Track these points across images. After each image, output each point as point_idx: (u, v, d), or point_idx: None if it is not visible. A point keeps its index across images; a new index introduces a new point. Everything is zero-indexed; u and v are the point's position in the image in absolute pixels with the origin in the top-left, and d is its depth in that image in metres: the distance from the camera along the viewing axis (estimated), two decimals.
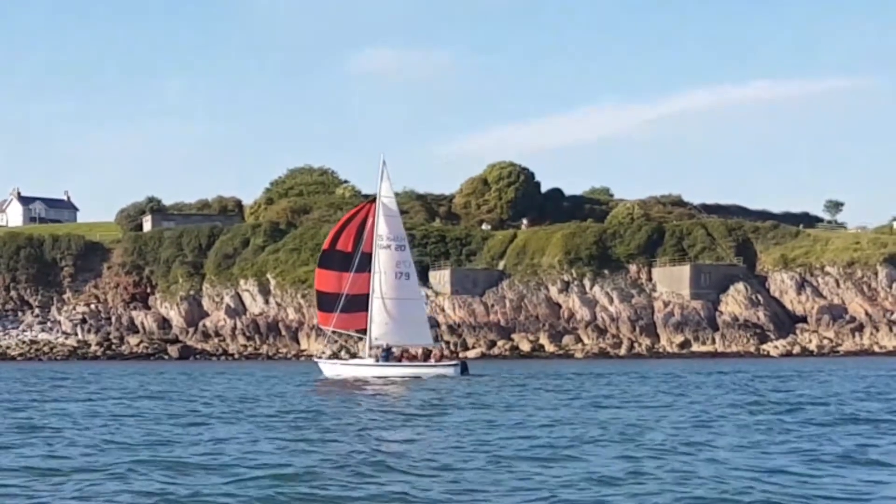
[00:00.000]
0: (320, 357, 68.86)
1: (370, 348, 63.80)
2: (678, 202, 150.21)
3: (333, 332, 68.61)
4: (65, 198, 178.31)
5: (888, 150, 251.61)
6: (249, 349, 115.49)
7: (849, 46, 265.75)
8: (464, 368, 61.51)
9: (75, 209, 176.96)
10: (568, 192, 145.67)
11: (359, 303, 62.98)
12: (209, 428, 29.17)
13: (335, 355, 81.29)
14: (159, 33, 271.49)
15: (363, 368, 62.26)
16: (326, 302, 63.91)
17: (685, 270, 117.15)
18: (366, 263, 63.16)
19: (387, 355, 62.73)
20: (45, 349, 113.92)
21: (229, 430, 28.34)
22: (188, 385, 54.40)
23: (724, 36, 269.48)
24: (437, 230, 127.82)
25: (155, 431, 28.28)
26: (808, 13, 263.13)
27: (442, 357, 65.13)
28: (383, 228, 63.46)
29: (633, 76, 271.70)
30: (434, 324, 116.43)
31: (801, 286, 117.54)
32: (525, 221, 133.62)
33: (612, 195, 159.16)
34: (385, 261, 63.35)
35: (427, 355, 64.25)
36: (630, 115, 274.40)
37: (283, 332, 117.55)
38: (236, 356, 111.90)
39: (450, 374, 60.27)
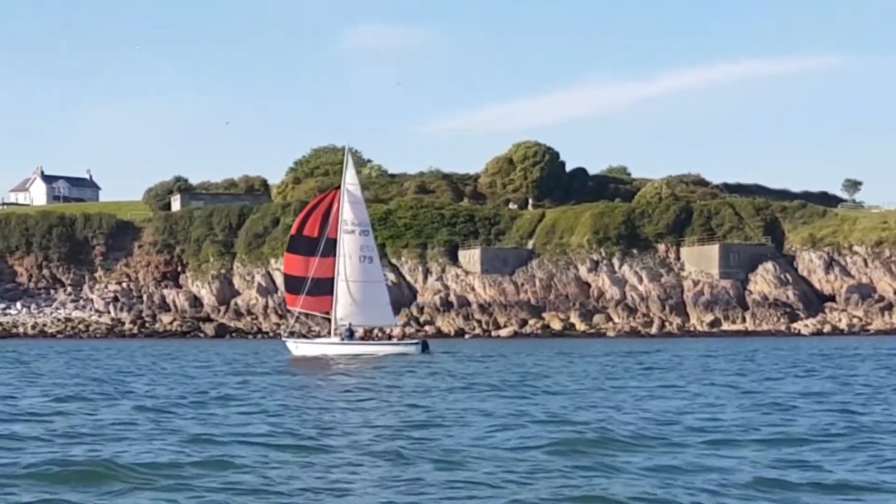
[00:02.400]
0: (287, 337, 71.03)
1: (335, 328, 66.85)
2: (700, 182, 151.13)
3: (300, 313, 72.32)
4: (87, 176, 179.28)
5: None
6: (283, 326, 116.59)
7: (854, 22, 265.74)
8: (424, 347, 64.99)
9: (97, 188, 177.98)
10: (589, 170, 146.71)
11: (324, 286, 66.49)
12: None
13: (302, 335, 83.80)
14: (161, 13, 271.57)
15: (329, 347, 65.25)
16: (294, 285, 67.59)
17: (714, 250, 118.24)
18: (331, 248, 66.74)
19: (350, 335, 65.77)
20: (81, 327, 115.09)
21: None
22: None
23: (717, 14, 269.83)
24: (465, 209, 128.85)
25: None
26: None
27: (404, 336, 69.11)
28: (348, 214, 67.14)
29: (623, 54, 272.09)
30: (465, 302, 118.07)
31: (829, 265, 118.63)
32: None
33: (629, 174, 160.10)
34: (350, 245, 67.04)
35: (388, 335, 67.48)
36: (621, 93, 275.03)
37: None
38: (271, 334, 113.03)
39: (411, 351, 63.79)
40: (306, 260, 66.81)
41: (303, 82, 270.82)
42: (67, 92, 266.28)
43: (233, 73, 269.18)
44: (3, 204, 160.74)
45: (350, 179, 67.91)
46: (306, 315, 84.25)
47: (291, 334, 73.54)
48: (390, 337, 67.20)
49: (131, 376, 44.06)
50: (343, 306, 66.36)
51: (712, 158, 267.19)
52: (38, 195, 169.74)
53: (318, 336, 76.90)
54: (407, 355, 61.31)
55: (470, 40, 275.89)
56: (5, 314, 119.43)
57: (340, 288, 66.40)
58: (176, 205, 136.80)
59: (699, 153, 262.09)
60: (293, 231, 68.90)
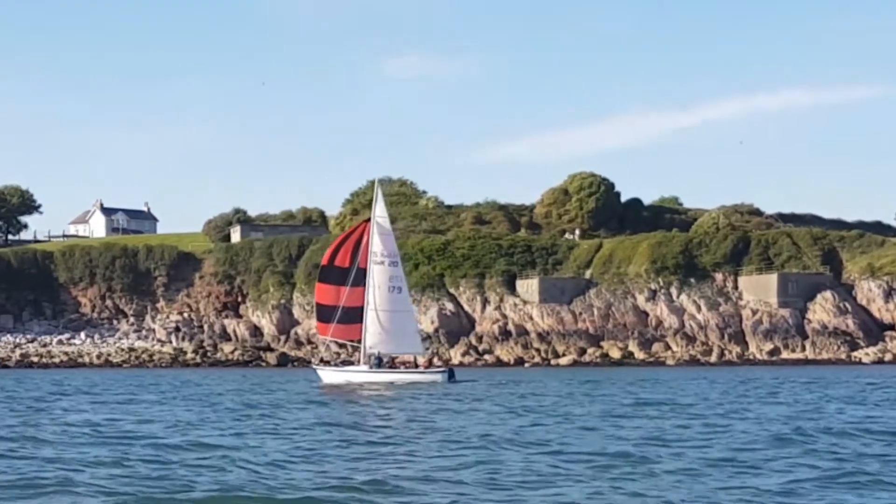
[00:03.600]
0: (317, 365, 72.60)
1: (364, 357, 68.21)
2: (755, 212, 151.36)
3: (331, 342, 73.63)
4: (145, 209, 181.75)
5: None
6: (343, 356, 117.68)
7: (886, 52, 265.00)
8: (450, 375, 65.75)
9: (155, 220, 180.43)
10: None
11: (354, 315, 68.07)
12: None
13: (326, 363, 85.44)
14: (212, 47, 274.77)
15: (357, 375, 66.59)
16: (325, 314, 69.20)
17: (772, 279, 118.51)
18: (361, 278, 68.26)
19: (378, 362, 67.16)
20: (145, 357, 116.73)
21: None
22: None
23: (750, 46, 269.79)
24: (523, 240, 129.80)
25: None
26: (854, 16, 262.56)
27: (430, 364, 69.94)
28: (378, 246, 68.93)
29: (660, 84, 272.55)
30: (523, 331, 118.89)
31: (888, 294, 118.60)
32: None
33: (681, 203, 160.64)
34: (379, 276, 68.61)
35: (415, 364, 68.87)
36: (660, 124, 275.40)
37: None
38: (332, 363, 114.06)
39: (438, 380, 64.55)
40: (337, 289, 68.47)
41: (349, 113, 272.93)
42: (121, 124, 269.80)
43: (279, 105, 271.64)
44: (64, 236, 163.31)
45: (380, 212, 69.77)
46: (339, 344, 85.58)
47: (321, 362, 75.05)
48: (416, 365, 68.70)
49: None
50: (372, 335, 67.90)
51: (762, 188, 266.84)
52: (97, 227, 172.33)
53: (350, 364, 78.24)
54: (434, 383, 62.73)
55: (508, 71, 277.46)
56: (70, 344, 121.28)
57: (370, 317, 67.98)
58: (235, 236, 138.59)
59: (749, 183, 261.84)
60: (324, 261, 70.68)
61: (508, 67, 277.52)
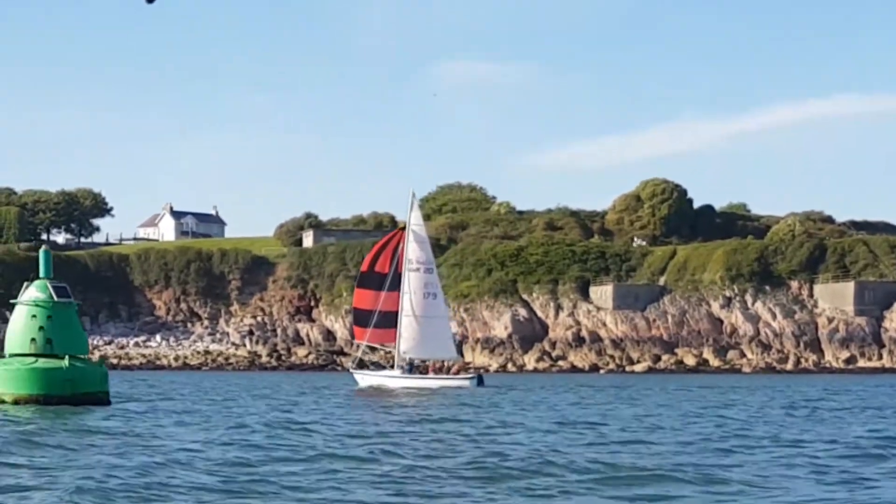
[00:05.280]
0: (354, 369, 74.14)
1: (398, 361, 69.92)
2: (827, 219, 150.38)
3: (367, 346, 75.56)
4: (213, 212, 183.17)
5: None
6: (416, 361, 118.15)
7: None
8: (480, 381, 66.96)
9: (223, 223, 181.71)
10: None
11: (390, 319, 69.51)
12: None
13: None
14: (275, 49, 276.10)
15: (391, 379, 68.14)
16: (362, 318, 70.98)
17: (849, 287, 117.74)
18: (396, 283, 69.45)
19: (410, 368, 69.07)
20: (221, 360, 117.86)
21: None
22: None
23: (803, 50, 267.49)
24: (596, 246, 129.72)
25: None
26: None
27: (460, 371, 71.13)
28: (413, 253, 70.19)
29: (713, 90, 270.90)
30: (596, 338, 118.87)
31: None
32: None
33: (748, 210, 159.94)
34: (414, 282, 69.92)
35: (447, 369, 70.08)
36: (715, 129, 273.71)
37: None
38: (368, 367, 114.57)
39: (467, 385, 65.75)
40: (376, 294, 69.85)
41: (407, 119, 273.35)
42: (190, 129, 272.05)
43: (338, 109, 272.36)
44: (135, 239, 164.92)
45: (415, 220, 71.03)
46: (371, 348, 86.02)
47: (360, 365, 76.00)
48: (448, 370, 69.85)
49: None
50: (406, 340, 69.41)
51: (830, 195, 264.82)
52: (167, 230, 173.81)
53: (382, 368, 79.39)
54: (463, 388, 63.68)
55: (555, 77, 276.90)
56: (146, 346, 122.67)
57: (404, 322, 69.40)
58: (308, 241, 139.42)
59: (816, 190, 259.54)
60: (364, 268, 72.36)
61: (552, 74, 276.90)
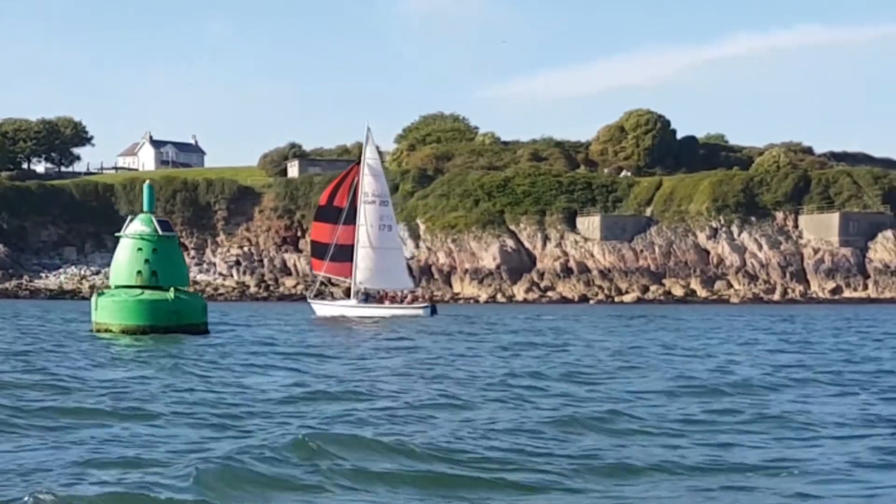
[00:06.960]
0: (311, 299, 76.10)
1: (354, 291, 72.49)
2: (807, 150, 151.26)
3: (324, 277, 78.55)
4: (193, 142, 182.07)
5: None
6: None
7: None
8: (433, 310, 70.04)
9: (203, 153, 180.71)
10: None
11: (346, 252, 71.82)
12: None
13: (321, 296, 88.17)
14: None
15: (347, 309, 70.97)
16: (319, 251, 73.45)
17: (834, 218, 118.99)
18: (353, 217, 71.89)
19: (366, 298, 71.80)
20: (210, 290, 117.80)
21: None
22: None
23: None
24: (583, 177, 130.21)
25: None
26: None
27: (414, 300, 73.49)
28: (369, 186, 72.86)
29: (675, 19, 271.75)
30: (584, 268, 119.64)
31: None
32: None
33: (726, 141, 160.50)
34: (370, 215, 72.45)
35: (401, 298, 72.87)
36: (677, 59, 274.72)
37: (436, 276, 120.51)
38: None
39: (421, 314, 68.78)
40: (333, 228, 71.97)
41: (392, 50, 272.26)
42: (168, 59, 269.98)
43: (321, 42, 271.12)
44: (116, 168, 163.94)
45: (370, 154, 73.75)
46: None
47: (316, 295, 78.49)
48: (402, 300, 72.15)
49: None
50: (362, 271, 71.85)
51: (804, 125, 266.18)
52: (147, 160, 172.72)
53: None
54: (417, 317, 66.43)
55: (519, 9, 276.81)
56: None
57: (360, 254, 71.76)
58: (293, 171, 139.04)
59: (791, 120, 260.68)
60: (322, 201, 74.61)
61: (516, 5, 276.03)
